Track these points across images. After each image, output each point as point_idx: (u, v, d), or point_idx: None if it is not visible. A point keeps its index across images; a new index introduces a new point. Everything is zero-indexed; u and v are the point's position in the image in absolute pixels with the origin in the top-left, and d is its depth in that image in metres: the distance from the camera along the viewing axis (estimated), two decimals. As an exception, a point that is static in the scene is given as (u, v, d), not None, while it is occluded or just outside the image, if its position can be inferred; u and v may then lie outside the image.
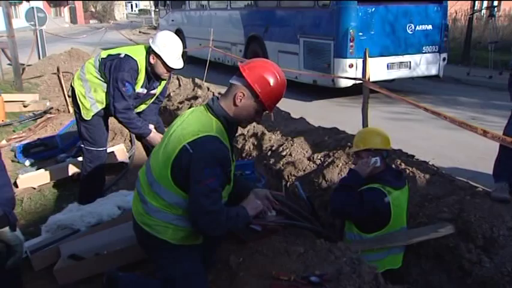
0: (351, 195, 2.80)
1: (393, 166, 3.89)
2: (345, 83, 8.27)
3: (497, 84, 10.58)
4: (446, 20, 9.37)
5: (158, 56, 3.43)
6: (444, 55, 9.35)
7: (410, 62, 8.96)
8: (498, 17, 14.72)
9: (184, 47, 11.30)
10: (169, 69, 3.52)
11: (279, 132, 5.24)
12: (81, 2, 51.64)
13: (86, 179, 3.85)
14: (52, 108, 7.71)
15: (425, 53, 9.05)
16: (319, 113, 7.83)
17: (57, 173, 4.56)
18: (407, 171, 3.84)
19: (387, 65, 8.70)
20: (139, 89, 3.61)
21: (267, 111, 2.15)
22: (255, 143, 5.22)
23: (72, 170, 4.59)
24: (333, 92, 9.08)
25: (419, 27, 8.85)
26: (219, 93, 2.85)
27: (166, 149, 2.07)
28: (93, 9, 56.79)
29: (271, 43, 10.05)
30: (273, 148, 4.94)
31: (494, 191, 3.39)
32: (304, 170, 4.35)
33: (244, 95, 2.04)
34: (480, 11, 17.53)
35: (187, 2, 14.22)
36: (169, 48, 3.43)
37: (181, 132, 2.03)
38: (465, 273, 2.94)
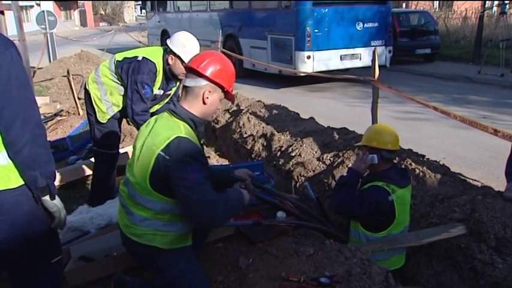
0: (350, 193, 2.83)
1: (402, 165, 3.87)
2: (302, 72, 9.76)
3: (509, 83, 10.48)
4: (390, 19, 10.96)
5: (177, 56, 3.44)
6: (390, 48, 10.89)
7: (360, 54, 10.44)
8: (510, 14, 14.52)
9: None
10: None
11: (288, 133, 5.23)
12: (90, 5, 52.05)
13: (97, 181, 3.87)
14: (62, 110, 7.76)
15: (373, 46, 9.91)
16: (329, 113, 7.81)
17: (68, 175, 4.59)
18: (418, 170, 3.80)
19: (340, 57, 10.22)
20: (156, 90, 3.62)
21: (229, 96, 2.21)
22: (264, 143, 5.22)
23: (84, 172, 4.62)
24: (301, 80, 10.81)
25: (367, 25, 10.37)
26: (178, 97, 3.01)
27: (141, 162, 2.07)
28: (102, 12, 57.14)
29: (244, 40, 11.69)
30: (283, 149, 4.93)
31: (507, 190, 3.34)
32: (313, 171, 4.33)
33: (210, 91, 2.09)
34: (491, 8, 17.35)
35: (170, 3, 15.62)
36: (188, 48, 3.44)
37: (153, 142, 2.03)
38: (477, 274, 2.90)
